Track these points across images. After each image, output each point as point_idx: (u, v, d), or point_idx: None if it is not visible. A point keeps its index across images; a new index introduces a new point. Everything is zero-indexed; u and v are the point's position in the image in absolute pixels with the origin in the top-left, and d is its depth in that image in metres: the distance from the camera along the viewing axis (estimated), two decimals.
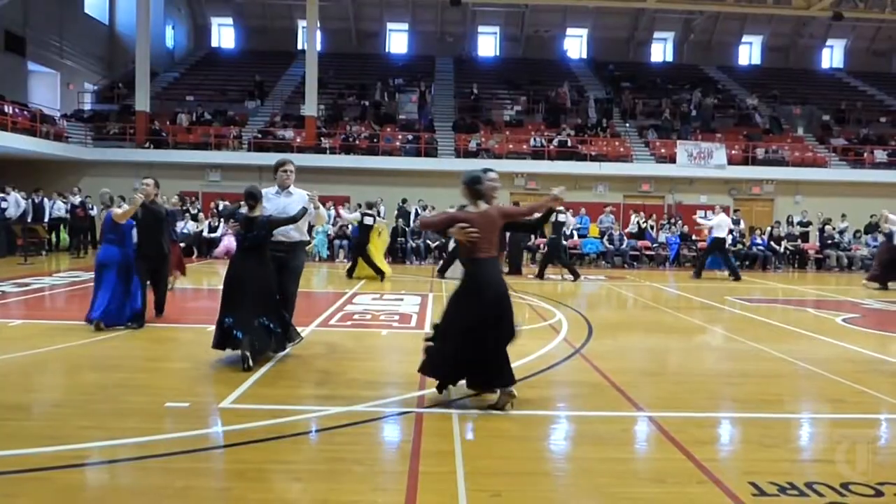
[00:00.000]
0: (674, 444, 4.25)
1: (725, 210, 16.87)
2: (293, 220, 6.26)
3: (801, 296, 13.84)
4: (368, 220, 14.09)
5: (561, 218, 15.20)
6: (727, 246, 16.58)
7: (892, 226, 14.36)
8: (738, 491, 3.54)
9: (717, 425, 4.90)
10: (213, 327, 7.98)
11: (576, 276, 14.89)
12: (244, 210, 6.23)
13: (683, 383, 5.92)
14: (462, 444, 4.19)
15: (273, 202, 6.50)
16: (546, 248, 15.92)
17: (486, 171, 5.07)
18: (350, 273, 14.26)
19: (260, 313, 5.96)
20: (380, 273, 13.84)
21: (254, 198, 6.23)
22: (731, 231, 16.81)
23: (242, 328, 5.85)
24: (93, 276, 8.07)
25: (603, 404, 5.19)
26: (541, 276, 15.06)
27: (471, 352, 4.71)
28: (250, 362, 5.79)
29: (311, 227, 7.15)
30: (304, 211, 6.32)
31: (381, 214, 17.30)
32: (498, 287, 4.83)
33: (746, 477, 3.72)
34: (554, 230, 14.94)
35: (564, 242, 16.79)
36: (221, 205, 20.10)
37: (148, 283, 8.04)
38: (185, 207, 14.03)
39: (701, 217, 18.79)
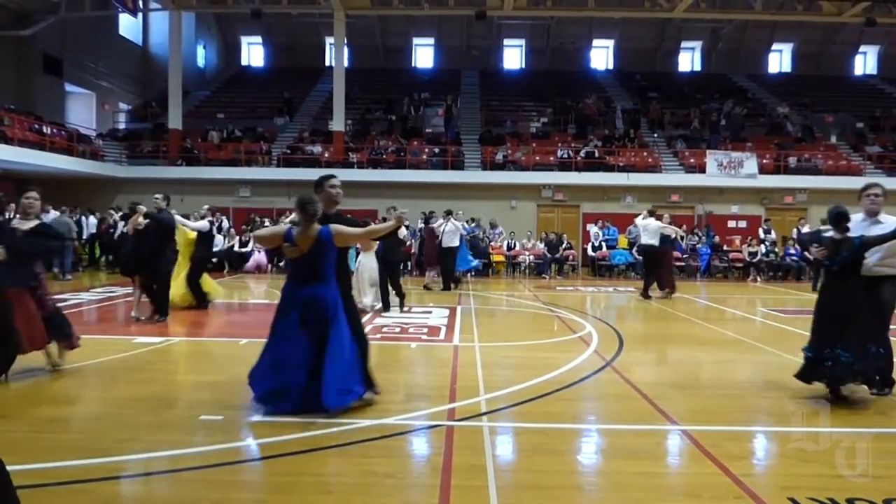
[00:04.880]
0: (709, 459, 4.18)
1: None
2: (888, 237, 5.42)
3: None
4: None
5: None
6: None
7: None
8: None
9: (753, 439, 4.81)
10: (245, 340, 8.12)
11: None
12: (830, 233, 5.58)
13: (717, 396, 5.83)
14: (493, 458, 4.17)
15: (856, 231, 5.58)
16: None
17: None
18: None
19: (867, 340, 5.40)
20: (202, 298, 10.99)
21: (845, 219, 5.52)
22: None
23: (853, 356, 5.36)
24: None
25: (635, 417, 5.13)
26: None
27: None
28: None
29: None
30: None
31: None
32: None
33: (785, 492, 3.64)
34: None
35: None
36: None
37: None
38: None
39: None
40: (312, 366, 4.87)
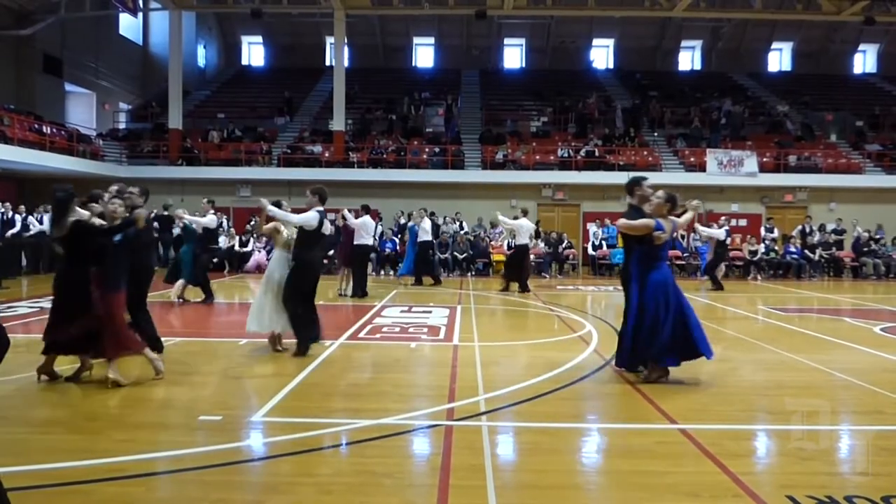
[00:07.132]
0: (708, 457, 4.18)
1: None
2: None
3: (836, 305, 13.53)
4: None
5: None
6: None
7: None
8: None
9: (753, 438, 4.81)
10: (245, 341, 8.10)
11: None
12: None
13: (717, 395, 5.82)
14: (492, 458, 4.17)
15: None
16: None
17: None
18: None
19: None
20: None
21: None
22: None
23: None
24: None
25: (635, 416, 5.13)
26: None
27: None
28: None
29: None
30: None
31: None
32: None
33: (783, 490, 3.64)
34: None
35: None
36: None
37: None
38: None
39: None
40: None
